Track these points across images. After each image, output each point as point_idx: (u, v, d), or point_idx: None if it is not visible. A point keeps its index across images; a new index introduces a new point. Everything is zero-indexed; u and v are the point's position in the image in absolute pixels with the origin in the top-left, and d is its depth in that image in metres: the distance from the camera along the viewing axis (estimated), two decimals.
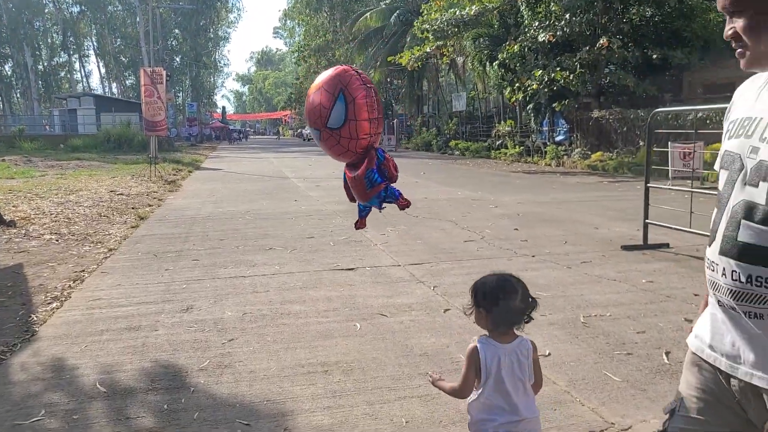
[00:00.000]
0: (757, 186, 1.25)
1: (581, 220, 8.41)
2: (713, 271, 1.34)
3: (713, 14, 17.38)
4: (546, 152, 20.76)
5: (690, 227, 6.13)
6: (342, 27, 43.88)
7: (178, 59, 59.67)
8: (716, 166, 1.41)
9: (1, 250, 6.66)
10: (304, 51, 50.94)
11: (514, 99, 21.76)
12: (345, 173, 2.29)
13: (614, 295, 4.70)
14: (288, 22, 69.04)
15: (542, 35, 18.32)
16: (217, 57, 67.24)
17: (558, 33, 18.16)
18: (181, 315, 4.36)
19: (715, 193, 1.38)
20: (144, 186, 13.40)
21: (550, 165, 19.78)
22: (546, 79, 18.63)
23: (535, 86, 19.38)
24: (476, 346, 1.88)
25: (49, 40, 58.88)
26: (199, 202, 11.09)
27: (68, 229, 7.90)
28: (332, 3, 45.57)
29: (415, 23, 24.71)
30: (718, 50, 16.91)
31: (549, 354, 3.50)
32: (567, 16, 18.09)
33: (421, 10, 25.26)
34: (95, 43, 61.11)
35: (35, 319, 4.31)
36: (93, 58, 64.48)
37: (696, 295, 4.59)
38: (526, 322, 1.91)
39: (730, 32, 1.32)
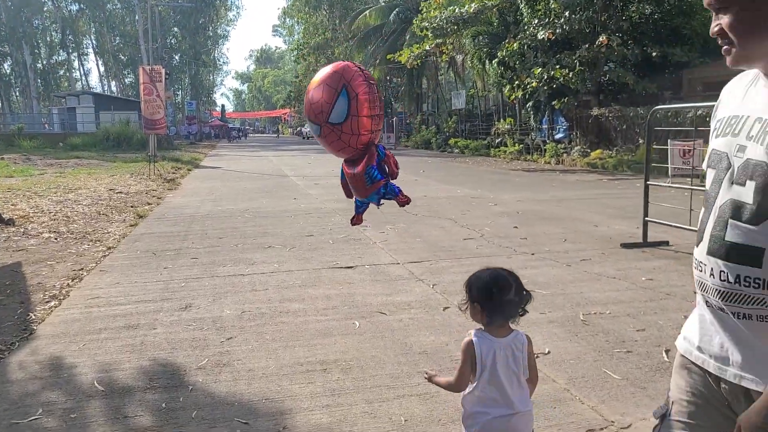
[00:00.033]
0: (744, 185, 1.22)
1: (581, 217, 8.40)
2: (701, 271, 1.33)
3: None
4: (545, 150, 20.73)
5: (690, 225, 6.10)
6: (341, 25, 43.91)
7: (177, 57, 59.56)
8: (704, 165, 1.40)
9: (0, 249, 6.65)
10: (303, 49, 50.92)
11: (513, 97, 21.77)
12: (343, 169, 2.28)
13: (614, 293, 4.69)
14: (287, 20, 68.96)
15: (542, 33, 18.31)
16: (216, 55, 67.31)
17: (557, 31, 18.15)
18: (180, 313, 4.35)
19: None
20: (143, 184, 13.38)
21: (549, 163, 19.76)
22: (545, 76, 18.63)
23: (534, 84, 19.38)
24: (472, 340, 1.88)
25: (48, 39, 58.79)
26: (198, 201, 11.08)
27: (67, 227, 7.88)
28: (331, 1, 45.61)
29: (414, 21, 24.76)
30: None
31: (548, 352, 3.50)
32: (566, 13, 18.06)
33: (420, 8, 25.26)
34: (94, 42, 61.04)
35: (33, 317, 4.30)
36: (92, 56, 64.25)
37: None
38: (521, 315, 1.91)
39: (716, 29, 1.30)
